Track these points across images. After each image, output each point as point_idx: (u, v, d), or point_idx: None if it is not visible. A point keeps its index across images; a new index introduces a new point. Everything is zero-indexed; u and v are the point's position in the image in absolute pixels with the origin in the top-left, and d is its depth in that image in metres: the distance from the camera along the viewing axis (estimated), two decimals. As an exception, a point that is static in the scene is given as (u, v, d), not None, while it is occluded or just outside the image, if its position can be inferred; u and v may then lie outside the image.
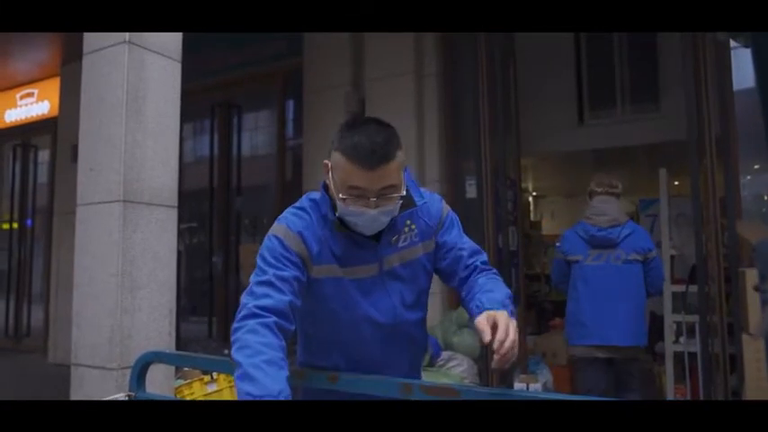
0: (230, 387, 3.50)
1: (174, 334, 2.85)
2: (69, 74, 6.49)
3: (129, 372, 1.76)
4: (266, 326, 1.25)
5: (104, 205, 2.70)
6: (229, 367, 1.30)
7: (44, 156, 7.77)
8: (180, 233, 2.97)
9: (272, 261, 1.34)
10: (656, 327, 5.15)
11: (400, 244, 1.43)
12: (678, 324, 4.09)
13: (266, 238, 1.41)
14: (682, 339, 4.06)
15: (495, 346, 1.19)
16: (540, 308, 7.36)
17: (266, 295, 1.29)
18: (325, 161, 1.37)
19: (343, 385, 1.38)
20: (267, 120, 6.43)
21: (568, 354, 3.54)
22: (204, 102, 6.20)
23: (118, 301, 2.60)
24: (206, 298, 6.21)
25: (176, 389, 3.05)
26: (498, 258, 4.37)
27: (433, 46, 4.86)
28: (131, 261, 2.67)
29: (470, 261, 1.49)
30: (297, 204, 1.46)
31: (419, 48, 4.83)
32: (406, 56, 4.81)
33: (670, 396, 3.98)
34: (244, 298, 1.31)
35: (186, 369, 3.20)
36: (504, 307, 1.31)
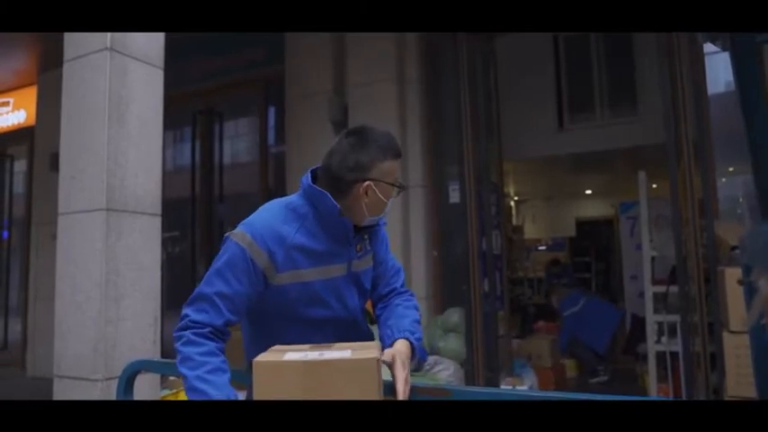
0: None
1: (158, 343, 2.82)
2: (47, 82, 6.39)
3: (113, 383, 1.75)
4: (202, 335, 1.30)
5: (87, 214, 2.67)
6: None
7: (21, 166, 7.61)
8: (162, 242, 2.94)
9: (224, 273, 1.33)
10: (638, 328, 5.23)
11: (359, 253, 1.51)
12: (660, 324, 4.16)
13: (229, 240, 1.37)
14: (663, 339, 4.12)
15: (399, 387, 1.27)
16: (523, 311, 7.42)
17: (203, 311, 1.32)
18: (366, 183, 1.36)
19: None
20: (249, 127, 6.39)
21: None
22: (186, 109, 6.14)
23: (102, 310, 2.57)
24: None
25: (162, 398, 3.01)
26: (482, 262, 4.40)
27: (415, 52, 4.89)
28: (115, 270, 2.63)
29: (392, 280, 1.59)
30: (287, 203, 1.44)
31: (400, 54, 4.85)
32: (387, 62, 4.83)
33: (653, 395, 4.03)
34: (185, 306, 1.35)
35: (172, 378, 3.16)
36: (410, 334, 1.42)
